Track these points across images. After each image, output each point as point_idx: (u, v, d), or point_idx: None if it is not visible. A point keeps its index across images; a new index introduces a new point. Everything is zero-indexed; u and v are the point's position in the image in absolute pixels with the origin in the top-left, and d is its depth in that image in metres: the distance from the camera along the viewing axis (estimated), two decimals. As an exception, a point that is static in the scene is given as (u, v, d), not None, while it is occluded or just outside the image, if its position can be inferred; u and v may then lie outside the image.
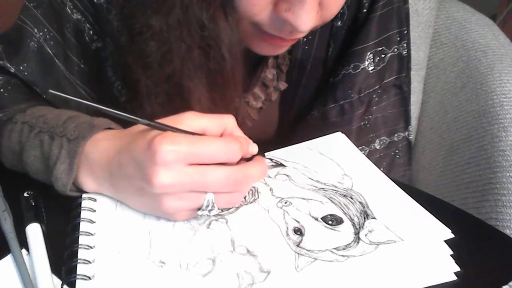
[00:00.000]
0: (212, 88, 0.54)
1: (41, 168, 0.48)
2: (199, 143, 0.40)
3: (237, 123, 0.45)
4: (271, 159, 0.50)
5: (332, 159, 0.50)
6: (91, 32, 0.60)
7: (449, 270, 0.38)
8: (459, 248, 0.39)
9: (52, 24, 0.58)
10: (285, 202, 0.45)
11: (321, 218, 0.43)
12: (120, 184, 0.44)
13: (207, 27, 0.49)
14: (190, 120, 0.42)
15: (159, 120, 0.42)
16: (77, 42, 0.60)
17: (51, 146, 0.46)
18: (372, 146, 0.63)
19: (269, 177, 0.49)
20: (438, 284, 0.38)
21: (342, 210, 0.44)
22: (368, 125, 0.62)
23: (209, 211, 0.41)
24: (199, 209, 0.41)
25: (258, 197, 0.46)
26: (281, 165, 0.50)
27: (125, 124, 0.46)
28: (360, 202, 0.44)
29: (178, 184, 0.40)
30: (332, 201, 0.45)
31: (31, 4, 0.58)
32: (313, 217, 0.43)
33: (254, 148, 0.44)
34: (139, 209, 0.45)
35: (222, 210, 0.45)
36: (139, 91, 0.54)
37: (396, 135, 0.64)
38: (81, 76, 0.62)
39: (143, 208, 0.44)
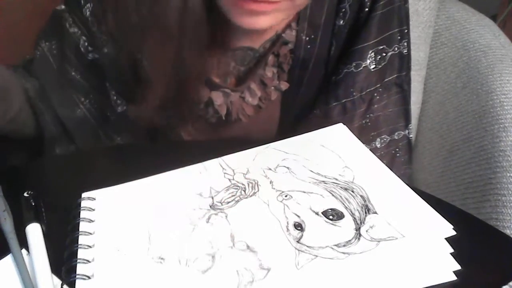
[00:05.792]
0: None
1: None
2: None
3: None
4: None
5: (333, 151, 0.50)
6: (86, 43, 0.62)
7: (449, 269, 0.38)
8: (459, 248, 0.39)
9: (54, 39, 0.63)
10: (286, 196, 0.44)
11: (322, 213, 0.42)
12: None
13: None
14: None
15: None
16: (74, 56, 0.63)
17: None
18: (373, 145, 0.63)
19: (269, 169, 0.48)
20: (438, 283, 0.38)
21: (343, 204, 0.43)
22: (369, 124, 0.62)
23: None
24: None
25: (258, 190, 0.46)
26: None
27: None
28: (361, 196, 0.44)
29: None
30: (333, 195, 0.44)
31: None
32: (313, 211, 0.43)
33: None
34: None
35: (221, 204, 0.44)
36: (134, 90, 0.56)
37: (396, 133, 0.64)
38: (80, 88, 0.65)
39: None
